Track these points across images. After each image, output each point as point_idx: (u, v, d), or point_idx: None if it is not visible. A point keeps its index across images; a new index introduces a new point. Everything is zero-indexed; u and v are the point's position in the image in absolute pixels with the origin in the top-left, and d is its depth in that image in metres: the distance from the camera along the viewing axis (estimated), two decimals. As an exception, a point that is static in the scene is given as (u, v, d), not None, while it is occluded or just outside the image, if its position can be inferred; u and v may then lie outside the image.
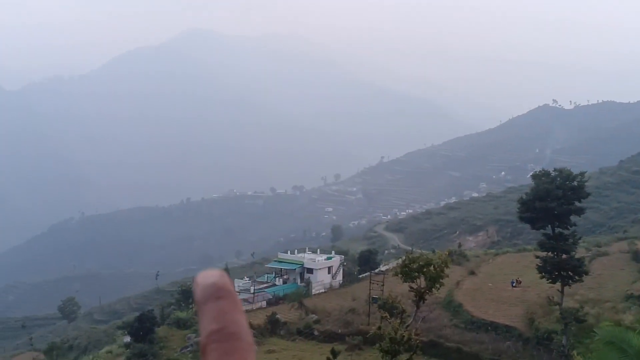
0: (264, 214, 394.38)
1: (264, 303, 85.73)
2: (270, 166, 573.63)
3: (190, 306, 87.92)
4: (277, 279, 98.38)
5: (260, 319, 76.37)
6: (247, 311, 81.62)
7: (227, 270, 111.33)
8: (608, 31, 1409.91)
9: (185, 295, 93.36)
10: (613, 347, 21.70)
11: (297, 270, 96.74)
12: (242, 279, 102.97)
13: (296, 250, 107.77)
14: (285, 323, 76.12)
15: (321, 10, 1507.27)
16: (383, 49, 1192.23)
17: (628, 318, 53.01)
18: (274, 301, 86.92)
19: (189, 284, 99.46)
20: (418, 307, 37.68)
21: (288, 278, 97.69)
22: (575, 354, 35.22)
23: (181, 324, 78.95)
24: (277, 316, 76.39)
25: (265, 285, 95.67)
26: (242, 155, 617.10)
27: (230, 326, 1.18)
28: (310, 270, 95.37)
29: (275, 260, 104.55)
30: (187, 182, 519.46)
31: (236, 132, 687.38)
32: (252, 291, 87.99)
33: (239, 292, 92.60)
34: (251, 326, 71.11)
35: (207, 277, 1.30)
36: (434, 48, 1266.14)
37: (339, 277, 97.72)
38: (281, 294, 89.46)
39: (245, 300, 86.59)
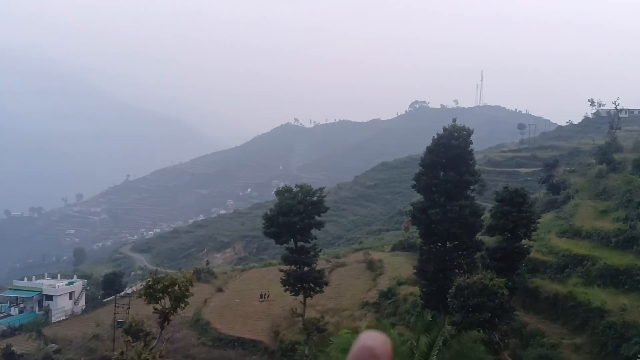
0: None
1: (-3, 335, 78.63)
2: (3, 188, 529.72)
3: None
4: (12, 308, 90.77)
5: (-8, 353, 70.07)
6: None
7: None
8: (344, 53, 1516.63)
9: None
10: (348, 353, 22.86)
11: (34, 297, 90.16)
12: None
13: (34, 277, 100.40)
14: (21, 355, 70.47)
15: (62, 23, 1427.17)
16: (129, 66, 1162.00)
17: (363, 325, 56.61)
18: (9, 332, 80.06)
19: None
20: (162, 328, 36.75)
21: (25, 307, 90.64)
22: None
23: None
24: (13, 348, 70.48)
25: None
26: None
27: None
28: (49, 297, 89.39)
29: (10, 289, 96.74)
30: None
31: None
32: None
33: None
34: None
35: (369, 338, 1.25)
36: (182, 67, 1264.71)
37: (82, 303, 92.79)
38: (17, 324, 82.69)
39: (-26, 333, 79.19)
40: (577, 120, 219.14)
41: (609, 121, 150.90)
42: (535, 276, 60.91)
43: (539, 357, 42.92)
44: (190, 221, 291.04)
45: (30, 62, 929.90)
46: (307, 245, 61.40)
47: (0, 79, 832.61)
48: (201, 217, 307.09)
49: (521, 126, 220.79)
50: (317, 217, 60.82)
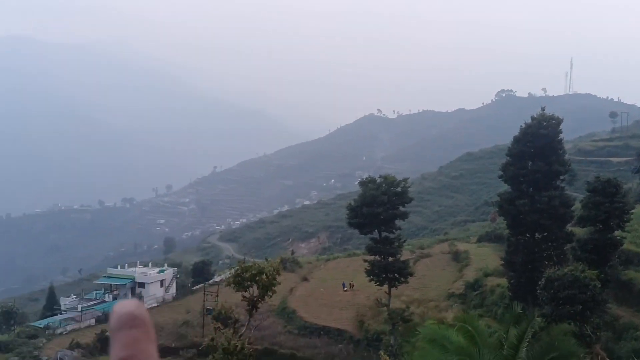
0: (92, 228, 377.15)
1: (92, 321, 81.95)
2: (98, 180, 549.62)
3: (12, 328, 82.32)
4: (106, 295, 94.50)
5: (89, 338, 73.08)
6: (74, 330, 78.05)
7: (52, 288, 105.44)
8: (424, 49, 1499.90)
9: (6, 317, 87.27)
10: (435, 344, 22.81)
11: (127, 285, 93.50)
12: (68, 296, 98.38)
13: (127, 265, 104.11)
14: (115, 341, 73.22)
15: (149, 18, 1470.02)
16: (214, 60, 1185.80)
17: (450, 316, 56.10)
18: (103, 318, 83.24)
19: (10, 304, 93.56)
20: (251, 315, 37.61)
21: (118, 294, 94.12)
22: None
23: (2, 347, 73.66)
24: (107, 334, 73.12)
25: (94, 302, 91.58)
26: (67, 168, 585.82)
27: (138, 355, 1.20)
28: (141, 285, 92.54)
29: (105, 276, 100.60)
30: (7, 197, 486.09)
31: (60, 144, 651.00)
32: (79, 309, 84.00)
33: (65, 311, 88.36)
34: (79, 345, 68.15)
35: (124, 306, 1.33)
36: (264, 60, 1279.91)
37: (172, 290, 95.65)
38: (111, 310, 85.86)
39: (72, 319, 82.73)
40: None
41: None
42: (629, 268, 58.98)
43: (632, 351, 41.57)
44: (275, 211, 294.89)
45: (119, 57, 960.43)
46: (391, 235, 61.32)
47: (91, 74, 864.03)
48: (286, 207, 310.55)
49: (613, 114, 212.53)
50: (401, 208, 60.64)
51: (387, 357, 12.52)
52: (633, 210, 53.42)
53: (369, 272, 61.70)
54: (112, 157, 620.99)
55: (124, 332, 1.17)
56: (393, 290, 62.32)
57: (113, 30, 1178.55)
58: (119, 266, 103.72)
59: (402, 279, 61.25)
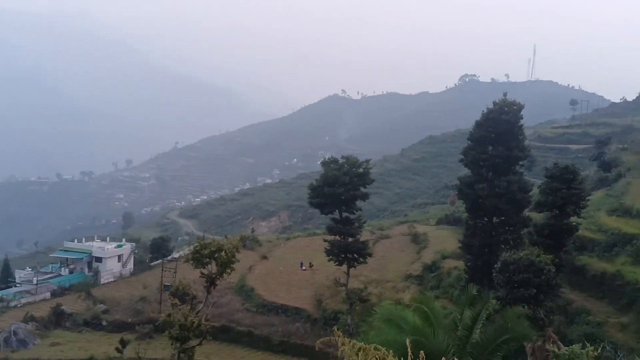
0: (49, 201, 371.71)
1: (48, 294, 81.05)
2: (56, 150, 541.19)
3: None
4: (62, 268, 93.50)
5: (44, 311, 72.40)
6: (29, 303, 77.11)
7: (6, 261, 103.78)
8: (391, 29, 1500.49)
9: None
10: (391, 324, 22.96)
11: (84, 259, 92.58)
12: (24, 269, 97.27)
13: (84, 239, 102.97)
14: (71, 314, 72.58)
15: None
16: (178, 34, 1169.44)
17: (407, 297, 56.73)
18: (59, 292, 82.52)
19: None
20: (209, 292, 37.43)
21: (75, 268, 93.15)
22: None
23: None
24: (63, 307, 72.63)
25: (49, 275, 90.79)
26: (24, 138, 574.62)
27: None
28: (98, 259, 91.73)
29: (61, 250, 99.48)
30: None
31: (17, 113, 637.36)
32: (35, 282, 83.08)
33: (20, 284, 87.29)
34: (34, 318, 67.32)
35: None
36: (230, 36, 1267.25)
37: (130, 266, 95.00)
38: (67, 284, 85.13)
39: (27, 292, 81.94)
40: (631, 97, 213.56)
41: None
42: (583, 254, 60.14)
43: (584, 335, 42.48)
44: (237, 189, 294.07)
45: (81, 27, 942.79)
46: (352, 216, 61.46)
47: (51, 43, 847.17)
48: (247, 185, 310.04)
49: (573, 102, 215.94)
50: (362, 189, 60.72)
51: (341, 333, 12.66)
52: (589, 197, 54.38)
53: (328, 252, 61.84)
54: (71, 129, 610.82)
55: None
56: (352, 270, 62.62)
57: (75, 2, 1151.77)
58: (76, 240, 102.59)
59: (361, 259, 61.53)
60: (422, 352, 10.88)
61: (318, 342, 14.57)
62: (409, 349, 11.20)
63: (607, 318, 50.95)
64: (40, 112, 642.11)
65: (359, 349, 11.05)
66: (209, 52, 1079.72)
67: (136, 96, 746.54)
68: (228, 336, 62.54)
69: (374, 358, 10.84)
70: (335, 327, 13.99)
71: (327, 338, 12.62)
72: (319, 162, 74.54)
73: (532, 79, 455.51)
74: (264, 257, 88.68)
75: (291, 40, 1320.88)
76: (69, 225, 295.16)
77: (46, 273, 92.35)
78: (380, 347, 11.27)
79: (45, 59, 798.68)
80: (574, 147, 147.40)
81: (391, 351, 11.56)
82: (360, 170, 60.62)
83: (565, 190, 49.30)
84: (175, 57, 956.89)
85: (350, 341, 11.12)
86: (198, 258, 37.04)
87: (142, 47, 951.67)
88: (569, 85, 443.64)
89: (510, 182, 55.10)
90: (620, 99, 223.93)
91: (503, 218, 57.24)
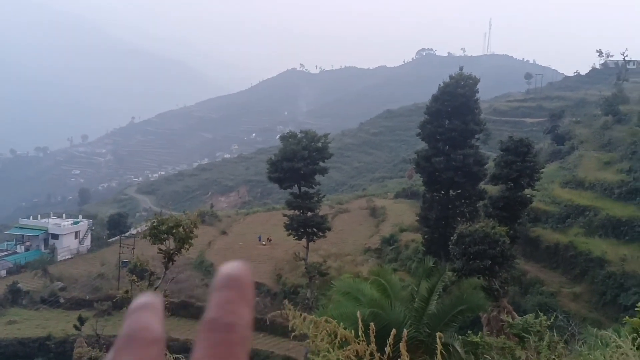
0: (3, 177, 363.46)
1: (3, 272, 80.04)
2: (7, 124, 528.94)
3: None
4: (18, 246, 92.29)
5: (0, 289, 71.44)
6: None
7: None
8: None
9: None
10: (349, 297, 23.27)
11: (40, 236, 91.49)
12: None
13: (39, 216, 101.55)
14: (27, 292, 71.88)
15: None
16: (132, 5, 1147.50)
17: (365, 270, 57.37)
18: (15, 270, 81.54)
19: None
20: (167, 268, 37.33)
21: (31, 245, 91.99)
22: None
23: None
24: (19, 285, 71.85)
25: (4, 253, 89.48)
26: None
27: (228, 316, 1.18)
28: (55, 236, 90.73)
29: (16, 227, 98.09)
30: None
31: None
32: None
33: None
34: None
35: (227, 267, 1.30)
36: (186, 8, 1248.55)
37: (87, 242, 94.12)
38: (23, 262, 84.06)
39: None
40: (584, 70, 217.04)
41: (616, 72, 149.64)
42: (537, 226, 61.49)
43: (538, 305, 43.63)
44: (195, 164, 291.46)
45: (32, 0, 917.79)
46: (311, 190, 61.75)
47: (4, 12, 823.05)
48: (206, 160, 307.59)
49: (528, 76, 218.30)
50: (321, 163, 60.95)
51: (290, 306, 12.78)
52: (543, 170, 55.46)
53: (287, 227, 62.12)
54: (24, 103, 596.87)
55: (218, 293, 1.17)
56: (311, 244, 63.06)
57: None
58: (31, 217, 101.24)
59: (320, 233, 61.95)
60: (372, 324, 11.13)
61: (269, 315, 14.76)
62: (359, 321, 11.47)
63: (560, 288, 52.35)
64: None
65: (310, 322, 11.24)
66: (163, 25, 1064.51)
67: (89, 68, 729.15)
68: (188, 312, 62.57)
69: (324, 331, 11.04)
70: (286, 299, 14.20)
71: (278, 312, 12.81)
72: (277, 137, 74.45)
73: (488, 53, 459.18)
74: (223, 233, 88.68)
75: (249, 13, 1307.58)
76: (24, 202, 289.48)
77: (1, 250, 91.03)
78: (331, 319, 11.48)
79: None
80: (528, 120, 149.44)
81: (341, 324, 11.79)
82: (319, 144, 60.81)
83: (519, 163, 50.18)
84: (129, 29, 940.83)
85: (300, 314, 11.29)
86: (156, 234, 36.86)
87: (96, 19, 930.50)
88: (523, 59, 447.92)
89: (466, 156, 55.90)
90: (574, 73, 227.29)
91: (459, 191, 58.18)
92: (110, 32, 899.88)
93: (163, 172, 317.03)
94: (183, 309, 61.99)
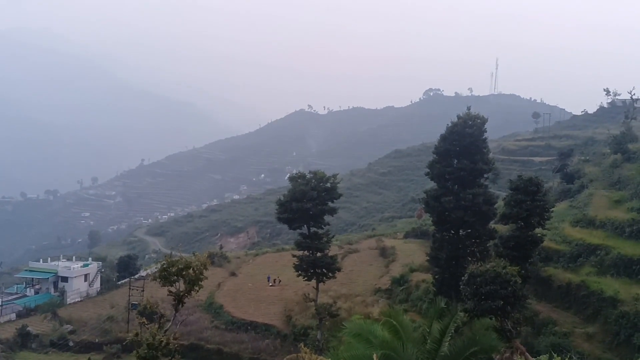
0: (13, 220, 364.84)
1: (13, 316, 79.76)
2: (20, 170, 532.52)
3: None
4: (28, 289, 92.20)
5: (9, 333, 71.32)
6: (-7, 326, 75.75)
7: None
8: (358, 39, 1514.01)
9: None
10: (360, 338, 23.13)
11: (50, 279, 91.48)
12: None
13: (49, 259, 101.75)
14: (37, 335, 71.55)
15: (74, 7, 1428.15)
16: (142, 51, 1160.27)
17: (376, 311, 56.94)
18: (24, 313, 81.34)
19: None
20: (177, 310, 37.08)
21: (40, 288, 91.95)
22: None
23: None
24: (28, 329, 71.61)
25: (14, 296, 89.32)
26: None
27: None
28: (64, 279, 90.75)
29: (26, 270, 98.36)
30: None
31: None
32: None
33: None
34: (-2, 341, 66.12)
35: None
36: (193, 51, 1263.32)
37: (97, 285, 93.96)
38: (33, 305, 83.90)
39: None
40: (592, 109, 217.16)
41: (624, 111, 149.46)
42: (548, 265, 60.91)
43: (551, 346, 43.01)
44: (204, 206, 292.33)
45: (45, 46, 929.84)
46: (320, 231, 61.57)
47: (10, 56, 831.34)
48: (215, 202, 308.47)
49: (536, 115, 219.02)
50: (330, 204, 60.90)
51: (307, 349, 12.76)
52: (553, 209, 55.14)
53: (297, 267, 61.85)
54: (34, 146, 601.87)
55: None
56: (321, 285, 62.68)
57: (37, 18, 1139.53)
58: (41, 260, 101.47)
59: (330, 274, 61.63)
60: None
61: (285, 359, 14.70)
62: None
63: (573, 328, 51.63)
64: (2, 125, 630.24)
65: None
66: (171, 69, 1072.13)
67: (101, 116, 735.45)
68: (197, 354, 62.12)
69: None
70: (302, 344, 14.14)
71: (294, 355, 12.77)
72: (286, 177, 74.75)
73: (495, 93, 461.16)
74: (233, 274, 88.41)
75: (257, 57, 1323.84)
76: (34, 245, 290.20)
77: (11, 294, 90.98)
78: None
79: (5, 77, 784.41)
80: (537, 159, 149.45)
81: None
82: (328, 184, 60.86)
83: (529, 202, 49.97)
84: (140, 76, 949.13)
85: (317, 357, 11.27)
86: (165, 276, 36.70)
87: (106, 67, 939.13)
88: (531, 98, 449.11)
89: (476, 195, 55.73)
90: (582, 112, 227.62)
91: (469, 230, 57.81)
92: (119, 75, 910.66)
93: (172, 214, 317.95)
94: (192, 351, 61.54)
